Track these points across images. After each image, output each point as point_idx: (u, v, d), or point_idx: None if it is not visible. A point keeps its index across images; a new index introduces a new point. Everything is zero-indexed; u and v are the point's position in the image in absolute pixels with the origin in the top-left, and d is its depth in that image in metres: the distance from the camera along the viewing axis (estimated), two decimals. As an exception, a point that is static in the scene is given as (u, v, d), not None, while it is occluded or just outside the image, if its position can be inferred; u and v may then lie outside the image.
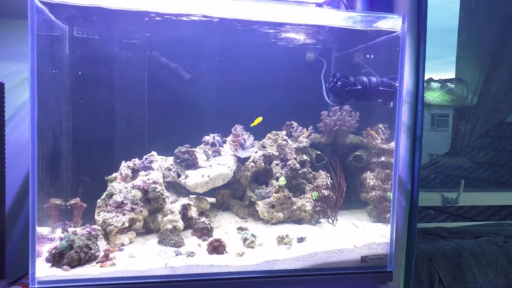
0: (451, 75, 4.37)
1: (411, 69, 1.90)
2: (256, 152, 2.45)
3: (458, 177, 3.77)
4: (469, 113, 4.12)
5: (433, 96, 4.71)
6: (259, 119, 2.42)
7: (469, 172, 3.97)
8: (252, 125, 2.44)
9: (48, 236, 1.93)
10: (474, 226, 2.76)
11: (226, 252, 1.91)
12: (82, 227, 2.11)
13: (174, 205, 2.13)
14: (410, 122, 1.92)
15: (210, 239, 1.99)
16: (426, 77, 1.92)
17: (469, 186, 3.50)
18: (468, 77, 4.06)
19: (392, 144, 2.05)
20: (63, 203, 2.14)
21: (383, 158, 2.48)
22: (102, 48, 2.24)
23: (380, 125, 2.56)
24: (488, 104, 4.00)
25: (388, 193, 2.27)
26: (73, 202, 2.15)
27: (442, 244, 2.44)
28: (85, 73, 2.22)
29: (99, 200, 2.01)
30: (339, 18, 2.09)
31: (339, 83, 2.26)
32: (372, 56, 2.47)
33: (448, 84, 4.54)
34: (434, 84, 4.65)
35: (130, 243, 1.98)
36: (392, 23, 2.01)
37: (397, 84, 1.95)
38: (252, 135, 2.49)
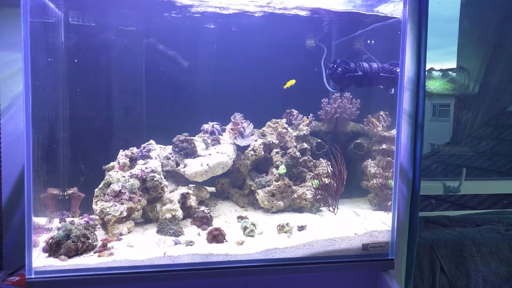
0: (453, 65, 4.34)
1: (412, 55, 1.86)
2: (255, 141, 2.43)
3: (460, 166, 3.74)
4: (471, 102, 4.09)
5: (434, 85, 4.68)
6: (292, 81, 2.37)
7: (471, 161, 3.94)
8: (285, 87, 2.40)
9: (46, 226, 1.91)
10: (476, 215, 2.73)
11: (226, 241, 1.89)
12: (80, 217, 2.09)
13: (173, 194, 2.11)
14: (412, 109, 1.88)
15: (210, 228, 1.97)
16: (427, 67, 1.89)
17: (471, 175, 3.47)
18: (470, 65, 4.02)
19: (394, 132, 2.03)
20: (61, 193, 2.12)
21: (384, 146, 2.46)
22: (99, 35, 2.21)
23: (381, 112, 2.53)
24: (490, 93, 3.97)
25: (389, 181, 2.25)
26: (71, 192, 2.14)
27: (444, 232, 2.41)
28: (82, 61, 2.19)
29: (96, 190, 1.99)
30: (339, 2, 2.05)
31: (339, 69, 2.22)
32: (373, 41, 2.43)
33: (450, 72, 4.51)
34: (435, 73, 4.62)
35: (128, 232, 1.96)
36: (393, 7, 1.97)
37: (398, 70, 1.91)
38: (251, 123, 2.47)
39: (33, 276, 1.61)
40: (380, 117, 2.52)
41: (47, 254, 1.71)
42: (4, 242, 1.88)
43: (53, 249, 1.70)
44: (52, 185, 1.99)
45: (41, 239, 1.77)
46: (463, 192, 2.84)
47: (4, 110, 1.98)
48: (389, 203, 2.07)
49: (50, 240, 1.70)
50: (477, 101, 4.01)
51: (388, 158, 2.37)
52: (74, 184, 2.16)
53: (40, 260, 1.66)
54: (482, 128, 4.13)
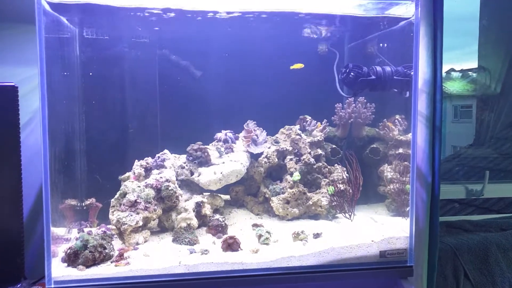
0: (474, 65, 4.23)
1: (428, 57, 1.82)
2: (269, 148, 2.42)
3: (484, 168, 3.63)
4: (493, 102, 3.97)
5: (454, 86, 4.58)
6: (300, 65, 2.37)
7: (495, 163, 3.81)
8: (292, 67, 2.40)
9: (65, 237, 1.95)
10: (500, 219, 2.64)
11: (241, 249, 1.89)
12: (98, 227, 2.12)
13: (187, 203, 2.12)
14: (429, 112, 1.84)
15: (225, 236, 1.96)
16: (447, 68, 1.85)
17: (496, 177, 3.36)
18: (491, 64, 3.91)
19: (410, 136, 1.98)
20: (79, 204, 2.16)
21: (401, 150, 2.41)
22: (112, 48, 2.26)
23: (397, 116, 2.48)
24: (513, 93, 3.85)
25: (407, 185, 2.20)
26: (88, 202, 2.17)
27: (467, 237, 2.34)
28: (96, 74, 2.24)
29: (112, 200, 2.02)
30: (350, 6, 2.03)
31: (352, 74, 2.19)
32: (386, 45, 2.39)
33: (470, 73, 4.40)
34: (455, 74, 4.52)
35: (144, 242, 1.98)
36: (405, 9, 1.94)
37: (412, 73, 1.88)
38: (264, 131, 2.46)
39: (52, 286, 1.65)
40: (396, 121, 2.47)
41: (66, 264, 1.74)
42: (27, 252, 1.93)
43: (71, 259, 1.73)
44: (70, 196, 2.03)
45: (60, 249, 1.80)
46: (487, 195, 2.76)
47: (24, 124, 2.03)
48: (407, 209, 2.02)
49: (68, 250, 1.74)
50: (500, 101, 3.89)
51: (405, 163, 2.32)
52: (91, 195, 2.19)
53: (59, 270, 1.69)
54: (506, 129, 3.99)
